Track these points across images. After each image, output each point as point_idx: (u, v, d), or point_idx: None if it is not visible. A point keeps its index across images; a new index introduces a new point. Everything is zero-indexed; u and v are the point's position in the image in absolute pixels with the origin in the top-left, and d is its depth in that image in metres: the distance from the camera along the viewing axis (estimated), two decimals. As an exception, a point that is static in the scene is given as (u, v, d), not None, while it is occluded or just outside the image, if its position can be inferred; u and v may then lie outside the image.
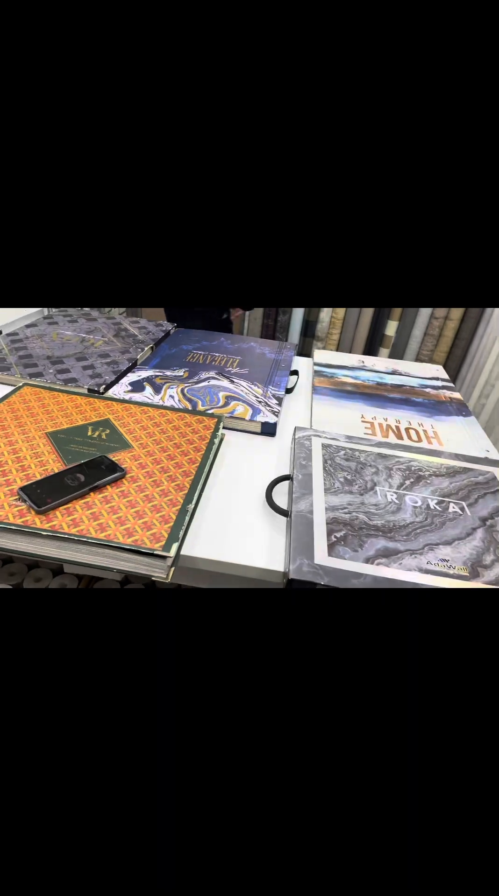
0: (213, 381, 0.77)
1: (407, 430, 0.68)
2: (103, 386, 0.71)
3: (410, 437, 0.66)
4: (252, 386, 0.76)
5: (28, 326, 0.93)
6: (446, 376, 0.89)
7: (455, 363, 1.82)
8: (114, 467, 0.50)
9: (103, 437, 0.57)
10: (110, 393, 0.70)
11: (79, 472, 0.48)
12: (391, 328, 1.83)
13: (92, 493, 0.47)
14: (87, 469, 0.49)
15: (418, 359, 1.86)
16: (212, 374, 0.80)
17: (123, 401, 0.66)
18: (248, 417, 0.66)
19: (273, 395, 0.74)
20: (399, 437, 0.66)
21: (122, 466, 0.51)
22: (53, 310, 1.05)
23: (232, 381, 0.77)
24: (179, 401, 0.69)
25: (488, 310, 1.67)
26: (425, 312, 1.77)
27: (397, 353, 1.88)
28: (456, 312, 1.73)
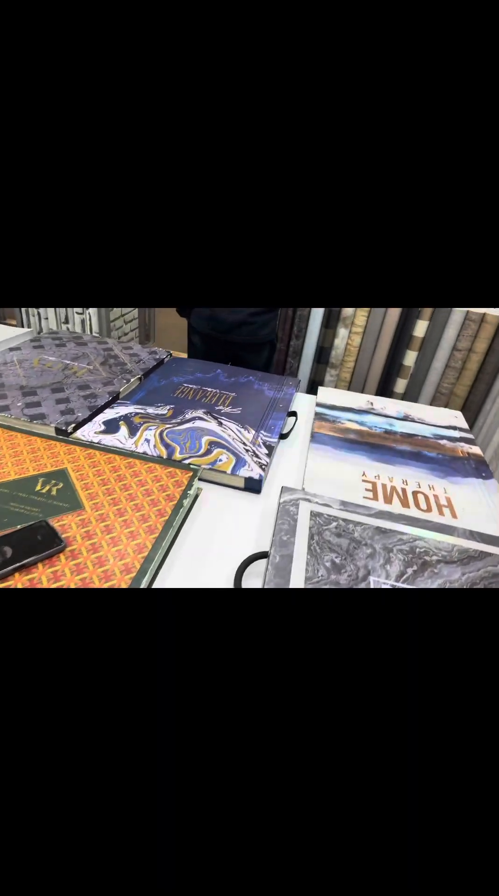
0: (198, 423, 0.68)
1: (415, 493, 0.58)
2: (72, 425, 0.63)
3: (418, 505, 0.56)
4: (241, 430, 0.68)
5: (11, 350, 0.86)
6: (464, 425, 0.79)
7: (478, 398, 1.70)
8: (51, 539, 0.41)
9: (53, 492, 0.49)
10: (79, 433, 0.63)
11: (6, 543, 0.40)
12: (410, 358, 1.72)
13: (17, 574, 0.38)
14: (19, 540, 0.41)
15: (437, 391, 1.75)
16: (199, 412, 0.71)
17: (89, 444, 0.58)
18: (229, 471, 0.58)
19: (264, 443, 0.65)
20: (405, 503, 0.56)
21: (63, 537, 0.42)
22: (43, 332, 0.99)
23: (220, 424, 0.69)
24: (154, 445, 0.61)
25: (516, 344, 1.56)
26: (447, 343, 1.66)
27: (416, 385, 1.77)
28: (480, 345, 1.63)
